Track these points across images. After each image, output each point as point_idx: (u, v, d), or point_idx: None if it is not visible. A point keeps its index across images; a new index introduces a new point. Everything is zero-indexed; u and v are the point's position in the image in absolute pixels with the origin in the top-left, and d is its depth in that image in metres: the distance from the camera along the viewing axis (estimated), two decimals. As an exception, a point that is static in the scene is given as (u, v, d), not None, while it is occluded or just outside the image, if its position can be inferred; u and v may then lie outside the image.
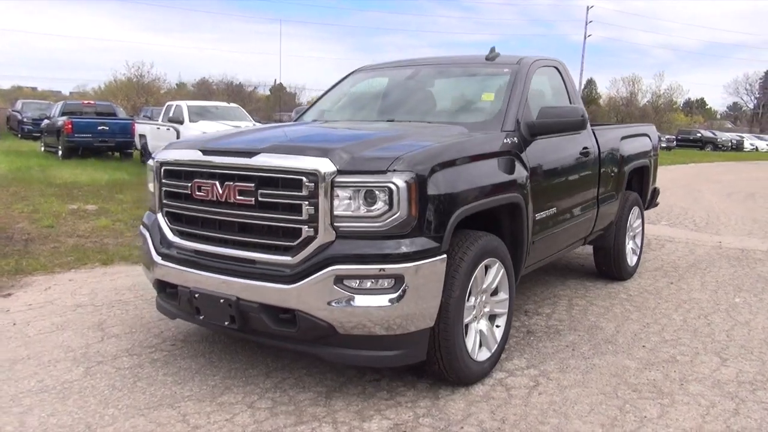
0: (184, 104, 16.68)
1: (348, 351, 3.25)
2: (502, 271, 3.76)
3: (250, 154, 3.29)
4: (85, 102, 22.84)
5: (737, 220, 10.59)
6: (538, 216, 4.15)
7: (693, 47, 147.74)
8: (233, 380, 3.64)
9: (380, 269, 3.05)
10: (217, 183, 3.35)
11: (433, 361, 3.42)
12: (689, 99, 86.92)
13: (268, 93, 69.49)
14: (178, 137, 16.12)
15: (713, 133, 49.97)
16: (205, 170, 3.44)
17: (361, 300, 3.06)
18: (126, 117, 22.79)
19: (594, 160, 5.04)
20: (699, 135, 48.89)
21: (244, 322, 3.32)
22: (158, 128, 17.45)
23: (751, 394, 3.63)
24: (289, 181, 3.15)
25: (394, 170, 3.06)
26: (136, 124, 19.49)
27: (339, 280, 3.06)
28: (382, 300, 3.06)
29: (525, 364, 3.96)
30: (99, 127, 18.93)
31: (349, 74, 5.35)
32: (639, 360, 4.08)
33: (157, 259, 3.65)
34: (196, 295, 3.40)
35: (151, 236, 3.76)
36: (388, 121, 4.41)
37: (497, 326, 3.82)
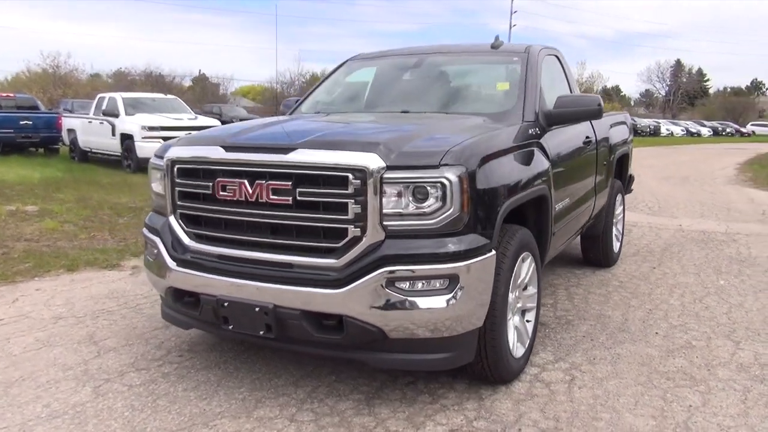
0: (118, 96, 15.84)
1: (396, 356, 3.09)
2: (533, 264, 3.67)
3: (285, 150, 3.05)
4: (4, 94, 21.35)
5: (685, 204, 10.98)
6: (557, 207, 4.08)
7: (607, 36, 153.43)
8: (262, 392, 3.40)
9: (435, 269, 2.89)
10: (246, 182, 3.09)
11: (477, 361, 3.29)
12: (605, 86, 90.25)
13: (190, 84, 67.43)
14: (113, 132, 15.34)
15: (633, 120, 52.00)
16: (230, 168, 3.18)
17: (414, 302, 2.90)
18: (50, 110, 21.52)
19: (593, 148, 5.03)
20: (620, 121, 50.70)
21: (281, 331, 3.09)
22: (90, 122, 16.55)
23: (777, 376, 3.70)
24: (332, 178, 2.94)
25: (447, 164, 2.90)
26: (63, 118, 18.40)
27: (391, 282, 2.88)
28: (436, 301, 2.91)
29: (552, 358, 3.90)
30: (21, 122, 17.76)
31: (342, 64, 5.12)
32: (658, 347, 4.10)
33: (172, 265, 3.36)
34: (225, 304, 3.14)
35: (162, 241, 3.45)
36: (402, 112, 4.22)
37: (528, 321, 3.74)
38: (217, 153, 3.23)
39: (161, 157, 3.53)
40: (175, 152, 3.40)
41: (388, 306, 2.89)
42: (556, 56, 4.96)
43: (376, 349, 3.06)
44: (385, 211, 2.89)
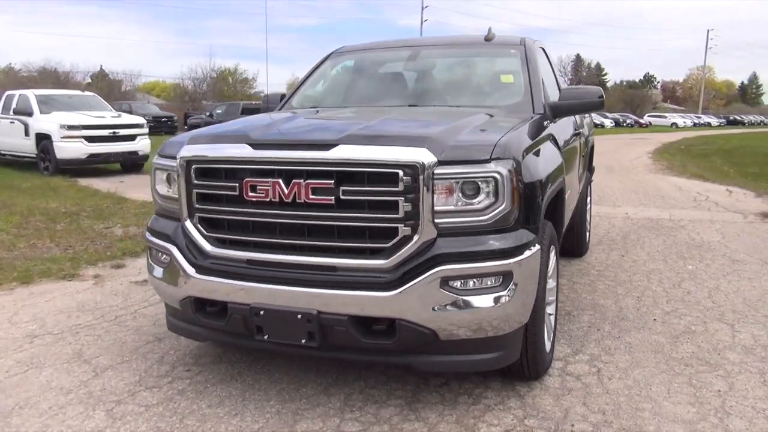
0: (30, 93, 14.75)
1: (446, 358, 2.98)
2: (555, 257, 3.66)
3: (326, 146, 2.86)
4: None
5: (621, 192, 11.42)
6: (566, 198, 4.09)
7: (510, 31, 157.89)
8: (294, 403, 3.20)
9: (489, 267, 2.80)
10: (281, 181, 2.89)
11: (518, 358, 3.23)
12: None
13: (88, 81, 63.99)
14: (27, 132, 14.32)
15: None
16: (261, 167, 2.96)
17: (468, 301, 2.80)
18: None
19: (580, 140, 5.10)
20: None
21: (325, 339, 2.91)
22: (-2, 122, 15.34)
23: (782, 355, 3.86)
24: (380, 175, 2.79)
25: (497, 158, 2.81)
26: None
27: (445, 281, 2.77)
28: (491, 299, 2.82)
29: (570, 350, 3.90)
30: None
31: (327, 57, 4.92)
32: (663, 334, 4.18)
33: (192, 272, 3.10)
34: (261, 312, 2.93)
35: (177, 247, 3.19)
36: (410, 105, 4.09)
37: (550, 314, 3.71)
38: (244, 151, 3.00)
39: (170, 157, 3.26)
40: (192, 151, 3.13)
41: (443, 307, 2.78)
42: (542, 48, 4.97)
43: (426, 352, 2.94)
44: (436, 208, 2.78)
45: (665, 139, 33.62)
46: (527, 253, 2.90)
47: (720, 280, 5.51)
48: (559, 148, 3.87)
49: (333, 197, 2.82)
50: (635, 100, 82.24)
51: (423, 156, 2.74)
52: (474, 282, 2.82)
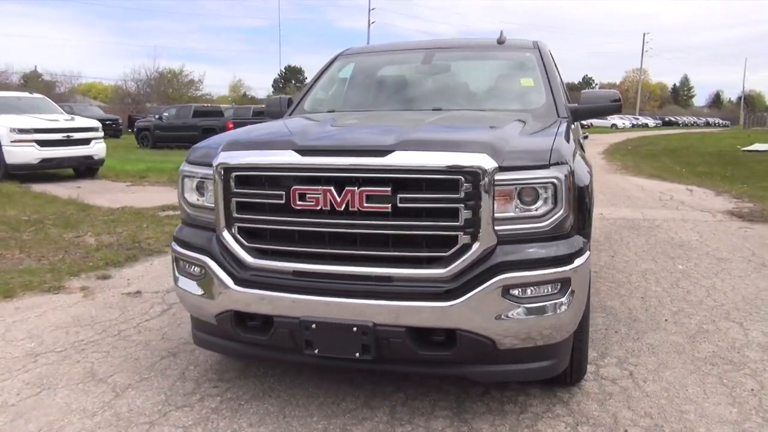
0: (-25, 96, 14.03)
1: (500, 367, 2.93)
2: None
3: (381, 152, 2.77)
4: None
5: (588, 193, 11.61)
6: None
7: (451, 34, 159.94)
8: (339, 418, 3.09)
9: (550, 274, 2.76)
10: (333, 189, 2.77)
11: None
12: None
13: (21, 82, 61.32)
14: (-28, 136, 13.53)
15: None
16: (310, 175, 2.84)
17: (529, 310, 2.75)
18: None
19: (583, 143, 5.14)
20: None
21: (380, 351, 2.81)
22: (-60, 125, 14.48)
23: (798, 352, 3.96)
24: (440, 182, 2.71)
25: (555, 163, 2.77)
26: None
27: (506, 290, 2.72)
28: (550, 307, 2.78)
29: (597, 354, 3.90)
30: None
31: (334, 59, 4.79)
32: (679, 334, 4.24)
33: (232, 285, 2.95)
34: (313, 326, 2.81)
35: (213, 259, 3.03)
36: (434, 110, 4.02)
37: (580, 318, 3.70)
38: (290, 158, 2.87)
39: (202, 164, 3.10)
40: (231, 158, 2.98)
41: (504, 316, 2.73)
42: (549, 51, 4.99)
43: (483, 362, 2.88)
44: (496, 215, 2.72)
45: (610, 140, 34.59)
46: (582, 259, 2.87)
47: (713, 278, 5.65)
48: (583, 151, 3.87)
49: (389, 205, 2.73)
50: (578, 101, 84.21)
51: (485, 162, 2.68)
52: (533, 290, 2.77)
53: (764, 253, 6.63)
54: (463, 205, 2.69)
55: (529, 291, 2.76)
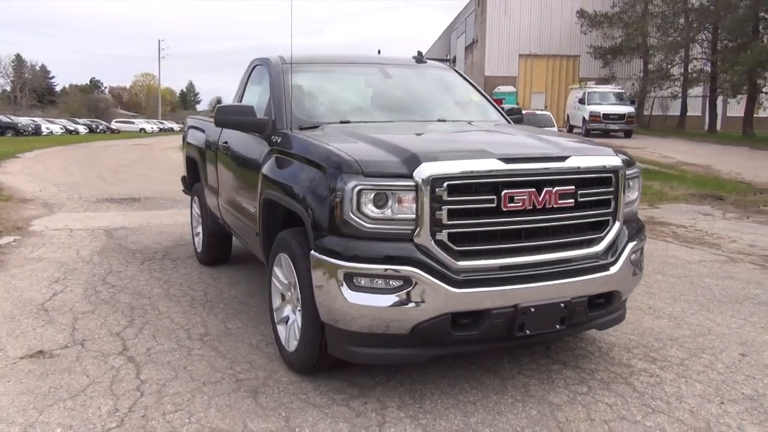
0: None
1: (615, 315, 3.82)
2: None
3: (560, 158, 3.40)
4: None
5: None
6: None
7: None
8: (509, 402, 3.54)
9: (643, 242, 3.85)
10: (535, 190, 3.28)
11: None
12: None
13: None
14: None
15: (10, 118, 48.10)
16: (516, 179, 3.26)
17: (638, 269, 3.79)
18: None
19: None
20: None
21: (570, 320, 3.44)
22: None
23: None
24: (601, 179, 3.52)
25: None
26: None
27: (631, 254, 3.68)
28: (641, 267, 3.87)
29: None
30: None
31: (279, 71, 4.60)
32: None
33: (451, 288, 3.13)
34: (532, 309, 3.26)
35: (424, 268, 3.12)
36: (439, 120, 4.49)
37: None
38: (497, 165, 3.23)
39: (390, 176, 3.13)
40: (439, 168, 3.12)
41: (632, 274, 3.72)
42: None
43: (609, 313, 3.75)
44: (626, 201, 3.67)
45: (169, 144, 34.89)
46: (636, 230, 4.04)
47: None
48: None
49: (573, 200, 3.39)
50: (99, 106, 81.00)
51: (621, 162, 3.61)
52: (639, 254, 3.81)
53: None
54: (612, 195, 3.55)
55: (638, 255, 3.78)
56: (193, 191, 6.73)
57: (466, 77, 5.24)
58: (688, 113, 34.95)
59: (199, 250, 6.53)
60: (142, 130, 67.09)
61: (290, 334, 3.79)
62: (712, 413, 3.33)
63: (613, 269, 3.53)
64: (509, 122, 4.93)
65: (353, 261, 3.16)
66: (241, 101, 5.24)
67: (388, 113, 4.65)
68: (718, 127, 32.14)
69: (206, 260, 6.38)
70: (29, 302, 5.10)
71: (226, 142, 5.13)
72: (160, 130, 69.18)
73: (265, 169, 4.08)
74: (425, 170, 3.11)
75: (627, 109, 27.73)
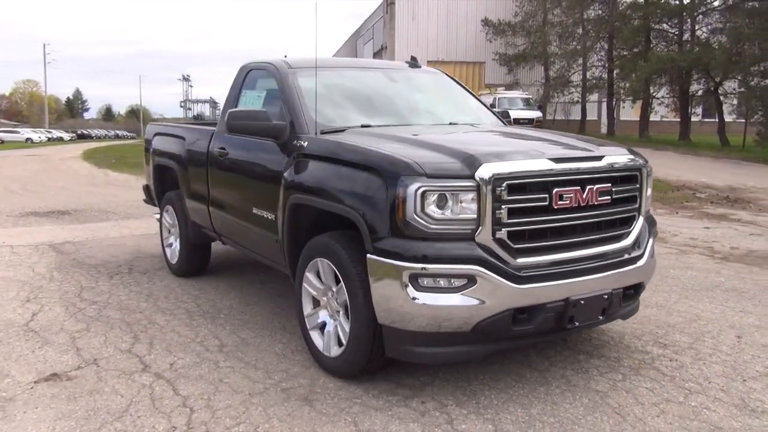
0: None
1: (635, 303, 4.05)
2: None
3: (597, 158, 3.59)
4: None
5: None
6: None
7: None
8: (553, 398, 3.67)
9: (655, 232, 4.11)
10: (579, 188, 3.44)
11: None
12: None
13: None
14: None
15: None
16: (564, 178, 3.40)
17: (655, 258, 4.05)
18: None
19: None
20: None
21: (610, 311, 3.62)
22: None
23: None
24: (630, 177, 3.74)
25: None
26: None
27: (653, 248, 3.93)
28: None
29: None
30: None
31: (286, 74, 4.53)
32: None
33: (514, 286, 3.23)
34: (582, 302, 3.41)
35: (486, 266, 3.19)
36: (450, 124, 4.57)
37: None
38: (549, 165, 3.37)
39: (452, 177, 3.20)
40: (500, 168, 3.22)
41: (653, 264, 3.95)
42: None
43: (631, 303, 3.96)
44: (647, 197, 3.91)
45: (61, 155, 32.66)
46: (645, 224, 4.30)
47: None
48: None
49: (609, 197, 3.59)
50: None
51: (643, 160, 3.85)
52: (653, 242, 4.06)
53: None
54: (638, 192, 3.78)
55: (653, 244, 4.03)
56: (164, 201, 6.47)
57: (458, 81, 5.38)
58: (587, 117, 36.90)
59: (173, 261, 6.29)
60: (29, 140, 62.81)
61: (330, 339, 3.75)
62: (741, 390, 3.60)
63: (641, 262, 3.75)
64: (505, 124, 5.11)
65: (419, 261, 3.19)
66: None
67: (402, 117, 4.68)
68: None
69: (183, 271, 6.15)
70: (10, 324, 4.75)
71: (222, 148, 4.99)
72: (49, 139, 65.18)
73: (288, 174, 4.03)
74: (487, 170, 3.20)
75: (535, 113, 29.06)
